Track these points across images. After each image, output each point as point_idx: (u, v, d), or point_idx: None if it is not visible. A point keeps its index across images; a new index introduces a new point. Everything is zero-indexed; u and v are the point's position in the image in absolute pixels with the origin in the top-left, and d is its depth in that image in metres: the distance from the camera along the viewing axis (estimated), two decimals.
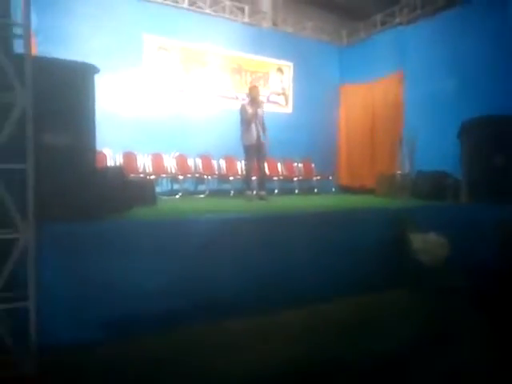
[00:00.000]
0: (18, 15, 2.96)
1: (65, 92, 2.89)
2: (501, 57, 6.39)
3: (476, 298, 3.47)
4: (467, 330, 3.02)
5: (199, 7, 8.37)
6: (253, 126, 5.97)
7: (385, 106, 8.52)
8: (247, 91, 6.49)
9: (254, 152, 6.07)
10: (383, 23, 9.35)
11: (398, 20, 9.02)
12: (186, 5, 8.19)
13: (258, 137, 6.00)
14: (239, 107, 6.22)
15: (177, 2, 8.12)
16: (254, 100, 6.14)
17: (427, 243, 4.02)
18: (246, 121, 5.98)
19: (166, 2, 7.94)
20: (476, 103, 6.19)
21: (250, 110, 5.99)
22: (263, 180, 6.35)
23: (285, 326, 3.11)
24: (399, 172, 7.35)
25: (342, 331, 3.03)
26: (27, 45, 2.56)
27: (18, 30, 2.74)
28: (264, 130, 6.08)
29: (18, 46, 2.81)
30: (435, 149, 6.70)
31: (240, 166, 7.83)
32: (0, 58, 2.43)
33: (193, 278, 3.13)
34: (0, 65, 2.43)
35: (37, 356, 2.45)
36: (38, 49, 5.49)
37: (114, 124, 6.45)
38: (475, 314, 3.24)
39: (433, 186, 6.04)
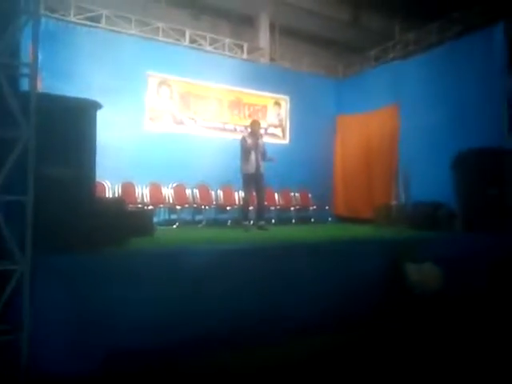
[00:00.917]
0: (23, 52, 3.11)
1: (68, 127, 3.00)
2: (490, 91, 6.60)
3: (469, 330, 3.46)
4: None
5: (200, 45, 8.72)
6: (252, 156, 6.10)
7: (380, 137, 8.65)
8: (248, 124, 6.66)
9: (252, 182, 6.17)
10: (377, 58, 9.70)
11: (391, 55, 9.37)
12: (187, 43, 8.54)
13: (258, 167, 6.11)
14: (240, 138, 6.39)
15: (178, 41, 8.47)
16: (254, 133, 6.31)
17: (422, 274, 4.04)
18: (246, 150, 6.12)
19: (167, 40, 8.28)
20: (469, 135, 6.33)
21: (249, 141, 6.15)
22: (262, 210, 6.40)
23: (283, 359, 3.09)
24: (395, 202, 7.43)
25: (334, 365, 3.01)
26: (33, 84, 2.69)
27: (24, 69, 2.86)
28: (265, 157, 6.20)
29: (24, 83, 2.93)
30: (430, 179, 6.80)
31: (237, 196, 7.91)
32: (8, 96, 2.56)
33: (191, 310, 3.12)
34: (7, 102, 2.56)
35: None
36: (42, 84, 5.64)
37: (114, 155, 6.56)
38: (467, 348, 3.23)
39: (427, 216, 6.11)
